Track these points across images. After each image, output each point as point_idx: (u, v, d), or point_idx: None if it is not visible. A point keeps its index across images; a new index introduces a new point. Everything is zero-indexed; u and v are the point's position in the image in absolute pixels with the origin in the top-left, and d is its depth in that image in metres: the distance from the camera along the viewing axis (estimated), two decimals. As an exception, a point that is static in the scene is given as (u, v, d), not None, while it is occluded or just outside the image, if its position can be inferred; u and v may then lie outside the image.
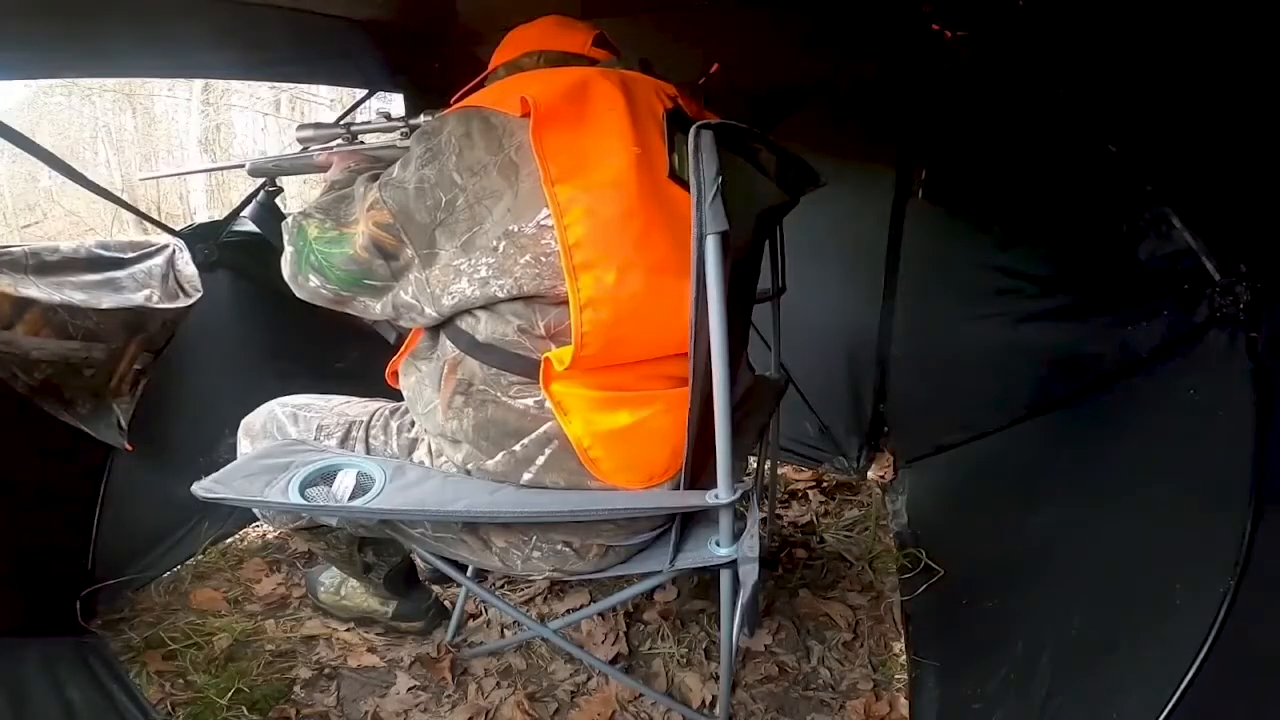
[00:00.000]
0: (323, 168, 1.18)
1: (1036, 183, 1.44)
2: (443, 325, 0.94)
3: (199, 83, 6.12)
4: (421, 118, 1.11)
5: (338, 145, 1.18)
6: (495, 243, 0.83)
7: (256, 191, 1.79)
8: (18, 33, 1.16)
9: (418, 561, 1.42)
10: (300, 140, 1.21)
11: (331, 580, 1.43)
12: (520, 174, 0.82)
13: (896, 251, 1.84)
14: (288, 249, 0.98)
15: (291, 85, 6.27)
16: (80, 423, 1.33)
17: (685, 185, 0.82)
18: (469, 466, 0.98)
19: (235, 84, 6.41)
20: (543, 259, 0.82)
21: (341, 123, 1.20)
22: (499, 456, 0.94)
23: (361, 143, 1.17)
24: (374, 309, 0.95)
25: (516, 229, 0.82)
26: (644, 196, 0.82)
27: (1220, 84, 1.00)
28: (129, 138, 7.00)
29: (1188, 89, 1.05)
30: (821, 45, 1.72)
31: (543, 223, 0.81)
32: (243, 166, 1.30)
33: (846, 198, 1.74)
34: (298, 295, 1.00)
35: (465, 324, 0.91)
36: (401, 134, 1.16)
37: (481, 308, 0.88)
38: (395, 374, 1.08)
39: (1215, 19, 0.99)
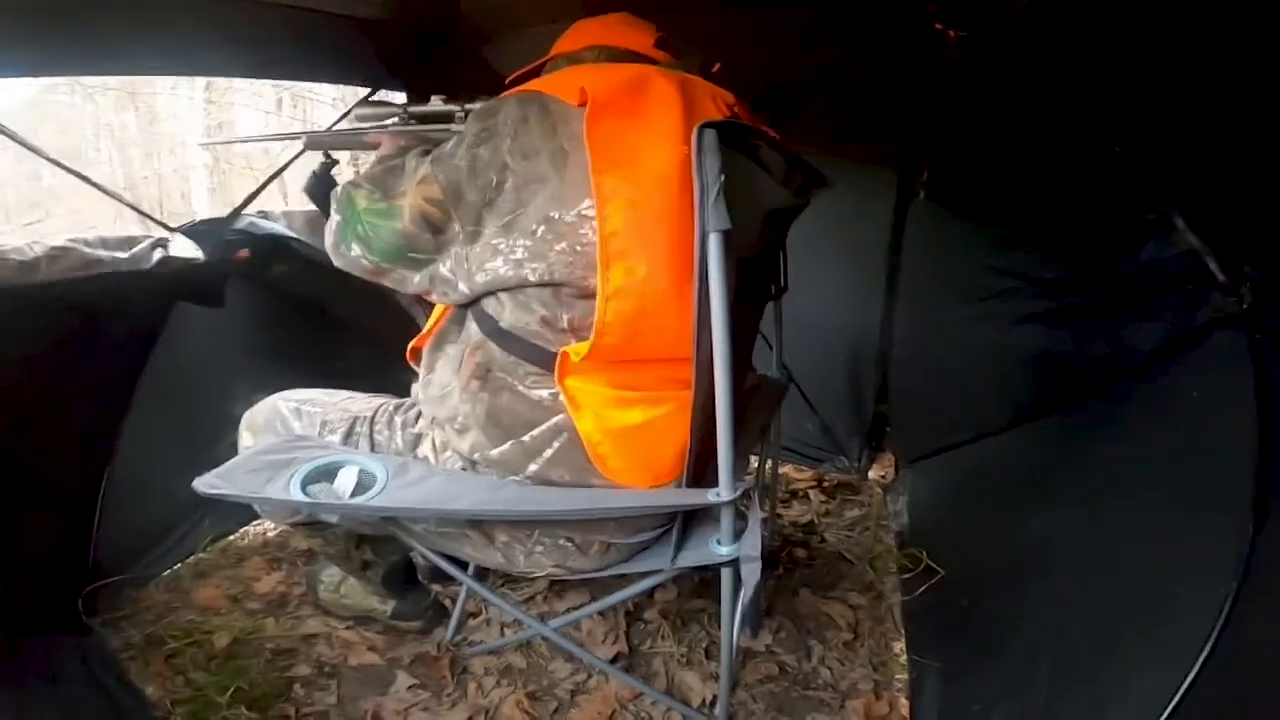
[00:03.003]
0: (373, 146, 1.18)
1: (1039, 183, 1.43)
2: (469, 307, 0.95)
3: (201, 81, 6.12)
4: (478, 103, 1.10)
5: (392, 124, 1.19)
6: (535, 226, 0.84)
7: (257, 192, 1.80)
8: (20, 31, 1.16)
9: (417, 560, 1.42)
10: (358, 118, 1.21)
11: (331, 578, 1.43)
12: (569, 162, 0.82)
13: (898, 252, 1.84)
14: (334, 218, 0.98)
15: (294, 83, 6.26)
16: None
17: None
18: (475, 456, 0.98)
19: (238, 82, 6.40)
20: (578, 248, 0.83)
21: (400, 104, 1.21)
22: (507, 445, 0.94)
23: (415, 124, 1.18)
24: (411, 281, 0.96)
25: (557, 216, 0.83)
26: (685, 196, 0.81)
27: (1223, 84, 1.00)
28: (131, 135, 7.00)
29: (1191, 89, 1.05)
30: (824, 45, 1.72)
31: (584, 213, 0.82)
32: (300, 138, 1.32)
33: (848, 198, 1.73)
34: (335, 264, 1.01)
35: (490, 308, 0.92)
36: (457, 118, 1.16)
37: (509, 291, 0.88)
38: (415, 352, 1.08)
39: (1217, 19, 0.99)
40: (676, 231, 0.82)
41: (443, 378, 1.01)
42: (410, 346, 1.10)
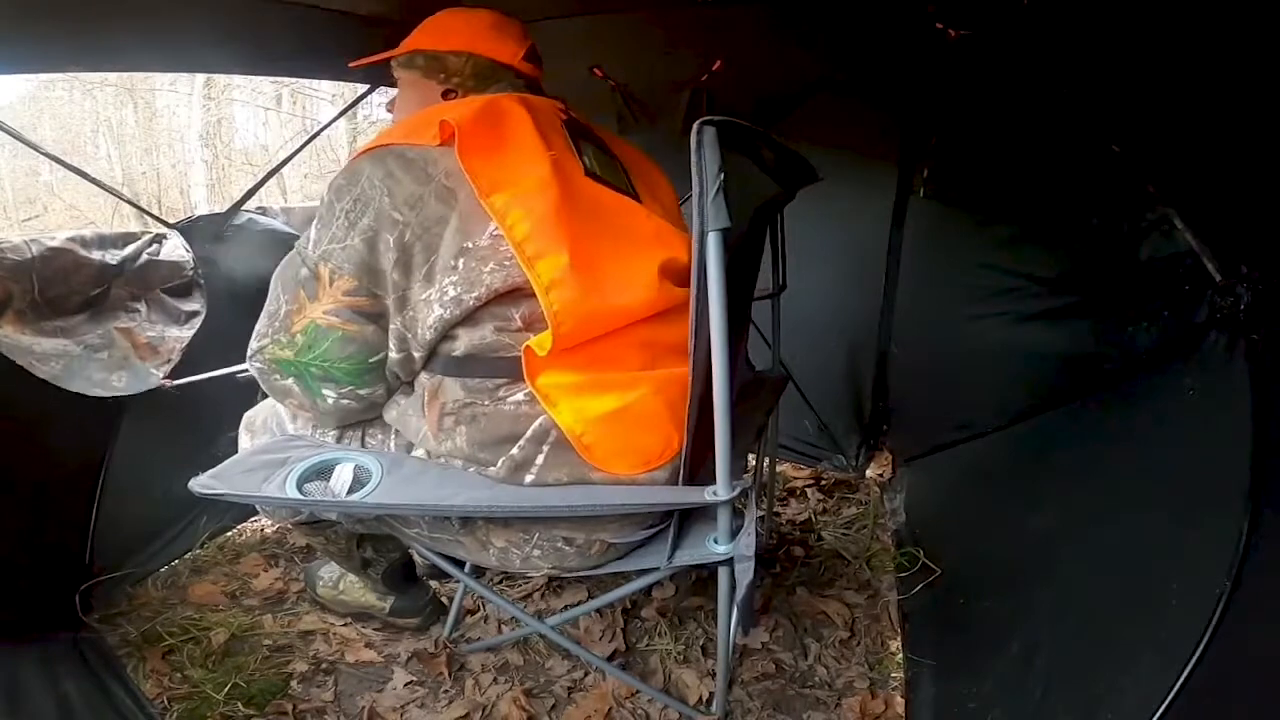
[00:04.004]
0: None
1: (1039, 182, 1.43)
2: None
3: (200, 77, 6.11)
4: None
5: None
6: (454, 261, 0.85)
7: (256, 188, 1.79)
8: (20, 28, 1.16)
9: (416, 557, 1.42)
10: None
11: (330, 575, 1.43)
12: (458, 196, 0.85)
13: (898, 250, 1.84)
14: (287, 388, 0.97)
15: (294, 80, 6.25)
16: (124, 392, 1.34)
17: (603, 182, 0.93)
18: (470, 470, 0.97)
19: (237, 78, 6.40)
20: (506, 262, 0.85)
21: None
22: (499, 464, 0.94)
23: None
24: (390, 386, 0.96)
25: (471, 245, 0.85)
26: (567, 195, 0.86)
27: (1223, 84, 1.00)
28: (130, 132, 6.99)
29: (1191, 89, 1.05)
30: (824, 44, 1.72)
31: (494, 233, 0.84)
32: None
33: (848, 196, 1.74)
34: (330, 424, 1.02)
35: (442, 347, 0.91)
36: None
37: (459, 324, 0.88)
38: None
39: (1217, 19, 0.99)
40: (575, 223, 0.86)
41: (412, 425, 0.99)
42: None
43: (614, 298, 0.88)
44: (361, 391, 0.95)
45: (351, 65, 1.09)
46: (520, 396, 0.91)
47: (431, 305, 0.87)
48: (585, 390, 0.89)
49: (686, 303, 0.84)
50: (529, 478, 0.93)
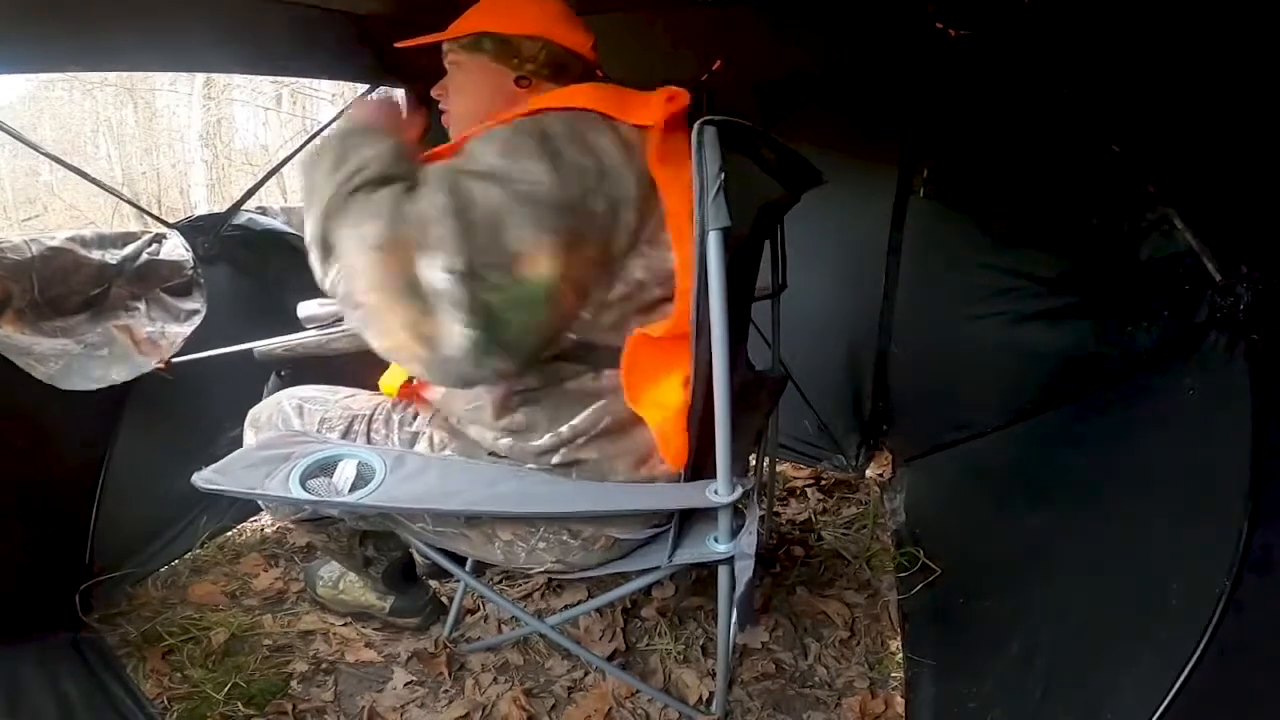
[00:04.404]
0: (344, 351, 1.15)
1: (1039, 182, 1.43)
2: None
3: (200, 77, 6.11)
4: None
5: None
6: (654, 235, 0.86)
7: (256, 187, 1.79)
8: (20, 28, 1.16)
9: (416, 557, 1.42)
10: (305, 320, 1.21)
11: (330, 574, 1.43)
12: (655, 180, 0.86)
13: (898, 249, 1.84)
14: (451, 341, 0.73)
15: (294, 80, 6.25)
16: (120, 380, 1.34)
17: None
18: (500, 442, 0.97)
19: (236, 78, 6.40)
20: (666, 254, 0.87)
21: None
22: (545, 437, 0.94)
23: None
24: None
25: (654, 229, 0.86)
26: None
27: (1223, 84, 1.00)
28: (130, 132, 6.98)
29: (1191, 89, 1.05)
30: (824, 44, 1.72)
31: (663, 222, 0.86)
32: (251, 351, 1.31)
33: (848, 196, 1.74)
34: (439, 380, 0.84)
35: None
36: None
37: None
38: (407, 390, 1.07)
39: (1218, 19, 0.99)
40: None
41: (472, 392, 0.95)
42: (401, 385, 1.08)
43: None
44: (514, 366, 0.81)
45: (398, 45, 1.05)
46: (588, 379, 0.91)
47: (616, 281, 0.86)
48: (667, 390, 0.90)
49: None
50: (561, 454, 0.94)
